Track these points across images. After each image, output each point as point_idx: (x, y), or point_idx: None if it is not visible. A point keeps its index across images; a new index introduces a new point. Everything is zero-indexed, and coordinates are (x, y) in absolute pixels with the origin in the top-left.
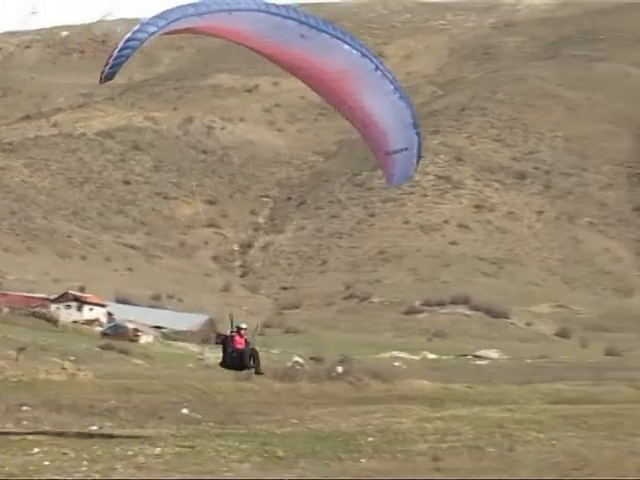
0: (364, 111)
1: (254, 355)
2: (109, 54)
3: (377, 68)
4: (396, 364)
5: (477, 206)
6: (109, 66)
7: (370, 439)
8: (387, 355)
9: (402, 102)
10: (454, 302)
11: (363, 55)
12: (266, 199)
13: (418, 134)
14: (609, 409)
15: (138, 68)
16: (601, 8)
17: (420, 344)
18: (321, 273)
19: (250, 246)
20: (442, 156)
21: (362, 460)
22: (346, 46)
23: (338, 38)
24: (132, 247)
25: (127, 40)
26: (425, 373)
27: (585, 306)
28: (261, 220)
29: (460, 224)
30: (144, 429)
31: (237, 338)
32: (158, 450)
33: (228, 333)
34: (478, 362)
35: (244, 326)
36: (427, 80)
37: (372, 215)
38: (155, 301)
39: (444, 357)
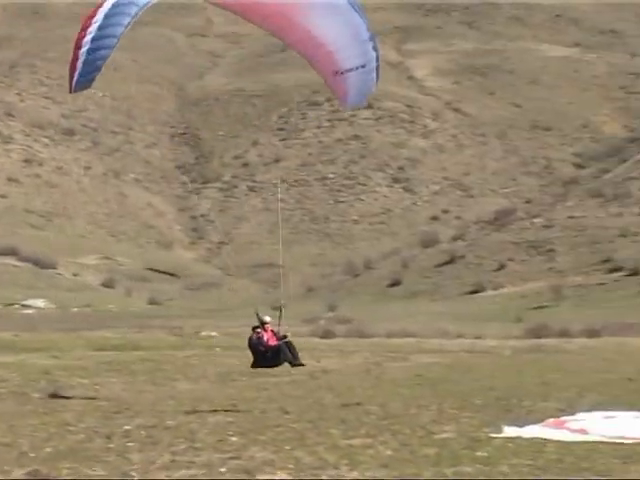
0: (309, 34)
1: (290, 346)
2: (74, 57)
3: None
4: None
5: (26, 160)
6: (79, 73)
7: None
8: None
9: (358, 18)
10: (3, 253)
11: None
12: None
13: (375, 48)
14: (151, 355)
15: None
16: None
17: None
18: None
19: None
20: None
21: None
22: None
23: None
24: None
25: (98, 39)
26: None
27: (130, 258)
28: None
29: (10, 178)
30: None
31: (265, 335)
32: None
33: (252, 333)
34: (25, 311)
35: (268, 319)
36: None
37: None
38: None
39: None
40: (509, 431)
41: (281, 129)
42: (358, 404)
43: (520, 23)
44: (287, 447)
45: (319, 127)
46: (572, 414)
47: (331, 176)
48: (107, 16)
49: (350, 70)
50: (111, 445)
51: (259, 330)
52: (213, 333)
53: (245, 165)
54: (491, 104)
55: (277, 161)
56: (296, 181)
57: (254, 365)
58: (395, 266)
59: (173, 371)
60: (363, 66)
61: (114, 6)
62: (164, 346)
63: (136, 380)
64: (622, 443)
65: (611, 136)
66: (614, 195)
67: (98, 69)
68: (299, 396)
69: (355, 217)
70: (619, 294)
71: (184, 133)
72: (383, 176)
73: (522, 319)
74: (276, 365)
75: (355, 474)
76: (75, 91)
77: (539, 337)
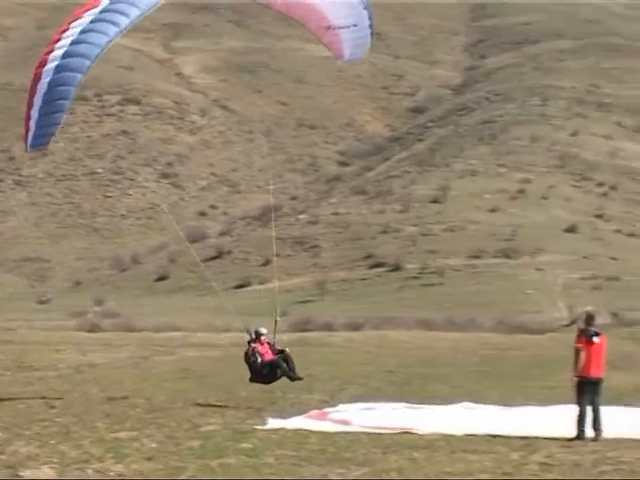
0: None
1: (288, 360)
2: (27, 116)
3: None
4: None
5: None
6: (33, 135)
7: None
8: None
9: None
10: None
11: None
12: None
13: (367, 7)
14: None
15: None
16: None
17: None
18: None
19: None
20: None
21: None
22: None
23: None
24: None
25: (49, 102)
26: None
27: None
28: None
29: None
30: None
31: (260, 349)
32: None
33: (248, 347)
34: None
35: (264, 331)
36: None
37: None
38: None
39: None
40: (273, 423)
41: None
42: (124, 398)
43: (287, 23)
44: (52, 441)
45: (87, 122)
46: (334, 406)
47: (99, 171)
48: (58, 69)
49: (342, 27)
50: None
51: (254, 345)
52: None
53: (11, 159)
54: (258, 102)
55: (44, 155)
56: (64, 175)
57: (251, 380)
58: (162, 261)
59: None
60: (355, 25)
61: (65, 56)
62: None
63: None
64: (382, 433)
65: (374, 135)
66: (376, 192)
67: (53, 134)
68: (65, 390)
69: (123, 212)
70: (381, 289)
71: None
72: (151, 171)
73: (287, 313)
74: (273, 380)
75: (120, 467)
76: (31, 151)
77: (304, 331)
